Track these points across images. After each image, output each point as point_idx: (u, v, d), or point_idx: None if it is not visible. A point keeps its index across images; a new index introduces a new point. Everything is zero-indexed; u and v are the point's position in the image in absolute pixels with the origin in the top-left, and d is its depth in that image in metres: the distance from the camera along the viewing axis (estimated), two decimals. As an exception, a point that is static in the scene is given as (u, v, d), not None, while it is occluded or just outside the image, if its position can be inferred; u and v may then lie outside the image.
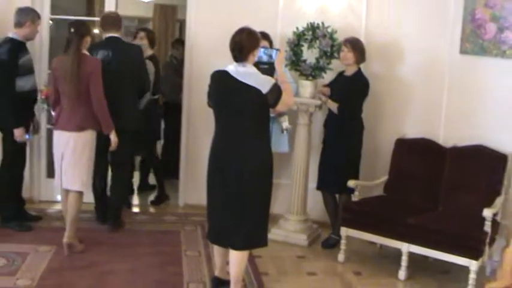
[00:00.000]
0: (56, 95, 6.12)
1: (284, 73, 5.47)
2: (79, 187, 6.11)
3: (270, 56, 5.27)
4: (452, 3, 6.64)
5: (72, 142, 5.99)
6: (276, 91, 4.85)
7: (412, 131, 6.80)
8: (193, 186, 7.67)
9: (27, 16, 6.49)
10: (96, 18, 7.81)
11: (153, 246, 6.44)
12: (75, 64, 5.90)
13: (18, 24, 6.47)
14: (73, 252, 6.08)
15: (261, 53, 5.13)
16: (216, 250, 5.25)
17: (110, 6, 7.68)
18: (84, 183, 6.14)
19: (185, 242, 6.62)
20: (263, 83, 4.81)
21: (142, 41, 7.85)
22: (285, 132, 6.46)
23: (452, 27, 6.64)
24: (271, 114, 5.21)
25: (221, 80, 4.95)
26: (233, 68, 4.89)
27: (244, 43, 4.84)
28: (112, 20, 6.89)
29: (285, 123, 6.38)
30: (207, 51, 7.42)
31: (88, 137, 6.07)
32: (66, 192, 6.18)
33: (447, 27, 6.69)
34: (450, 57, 6.67)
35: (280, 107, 5.02)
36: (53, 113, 6.33)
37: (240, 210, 4.92)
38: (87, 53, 6.21)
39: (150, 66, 7.66)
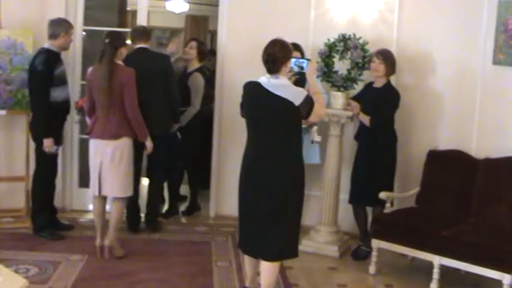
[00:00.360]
0: (91, 104, 6.22)
1: (316, 84, 5.44)
2: (121, 193, 6.25)
3: (301, 67, 5.23)
4: (485, 13, 6.58)
5: (110, 150, 6.10)
6: (309, 103, 4.83)
7: (444, 143, 6.76)
8: (224, 197, 7.70)
9: (60, 27, 6.57)
10: (129, 30, 7.87)
11: (184, 257, 6.45)
12: (108, 75, 6.00)
13: (53, 36, 6.55)
14: (112, 257, 6.20)
15: (291, 64, 5.08)
16: (247, 260, 5.23)
17: (141, 17, 7.74)
18: (126, 189, 6.26)
19: (216, 252, 6.63)
20: (296, 95, 4.79)
21: (191, 50, 7.90)
22: (314, 143, 6.44)
23: (485, 38, 6.58)
24: (303, 126, 5.19)
25: (254, 92, 4.95)
26: (265, 80, 4.87)
27: (278, 55, 4.83)
28: (140, 32, 7.08)
29: (315, 135, 6.37)
30: (238, 62, 7.45)
31: (124, 144, 6.16)
32: (99, 200, 6.27)
33: (479, 38, 6.63)
34: (483, 68, 6.61)
35: (313, 118, 4.98)
36: (88, 122, 6.40)
37: (271, 221, 4.89)
38: (121, 63, 6.26)
39: (199, 78, 7.77)
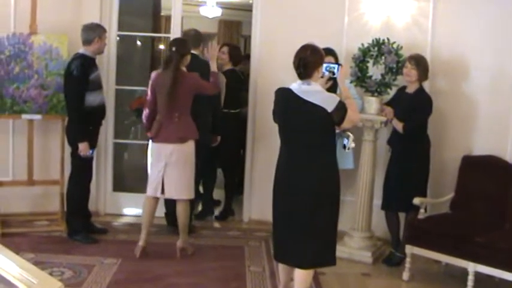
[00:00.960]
0: (153, 109, 6.39)
1: (348, 89, 5.37)
2: (186, 196, 6.46)
3: (332, 72, 5.18)
4: (520, 17, 6.54)
5: (176, 153, 6.30)
6: (342, 109, 4.76)
7: (479, 148, 6.71)
8: (258, 202, 7.71)
9: (94, 33, 6.63)
10: (166, 35, 7.91)
11: (217, 261, 6.46)
12: (174, 82, 6.17)
13: (87, 42, 6.61)
14: (184, 256, 6.43)
15: (323, 69, 5.03)
16: (281, 266, 5.19)
17: (175, 22, 7.79)
18: (190, 191, 6.51)
19: (249, 257, 6.63)
20: (328, 101, 4.73)
21: (223, 55, 8.08)
22: (349, 149, 6.38)
23: (520, 42, 6.54)
24: (336, 131, 5.16)
25: (285, 98, 4.90)
26: (297, 86, 4.82)
27: (309, 60, 4.77)
28: (191, 37, 7.14)
29: (348, 141, 6.29)
30: (272, 67, 7.47)
31: (189, 147, 6.38)
32: (154, 201, 6.50)
33: (515, 42, 6.58)
34: (518, 72, 6.57)
35: (346, 124, 4.92)
36: (144, 123, 6.54)
37: (305, 229, 4.85)
38: (185, 69, 6.36)
39: (221, 79, 7.77)
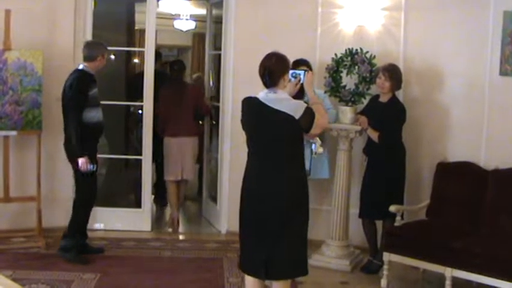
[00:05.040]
0: (167, 115, 8.08)
1: (315, 94, 5.16)
2: (192, 176, 8.59)
3: (299, 79, 5.13)
4: (490, 25, 6.63)
5: (191, 144, 8.22)
6: (310, 115, 4.69)
7: (453, 155, 6.78)
8: (234, 213, 7.64)
9: (99, 50, 6.64)
10: (140, 49, 8.03)
11: (196, 274, 6.46)
12: (184, 92, 8.22)
13: (90, 58, 6.60)
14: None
15: (289, 76, 4.95)
16: (248, 278, 4.97)
17: (150, 36, 7.80)
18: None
19: (227, 268, 6.63)
20: (295, 109, 4.66)
21: None
22: (316, 155, 6.28)
23: (491, 49, 6.62)
24: (309, 139, 5.12)
25: (252, 107, 4.84)
26: (263, 95, 4.76)
27: (274, 68, 4.73)
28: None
29: (316, 146, 6.19)
30: (244, 79, 7.42)
31: (196, 139, 8.38)
32: (176, 183, 8.32)
33: (486, 50, 6.68)
34: (490, 79, 6.65)
35: (315, 130, 4.84)
36: (160, 127, 8.13)
37: (275, 240, 4.72)
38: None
39: None
